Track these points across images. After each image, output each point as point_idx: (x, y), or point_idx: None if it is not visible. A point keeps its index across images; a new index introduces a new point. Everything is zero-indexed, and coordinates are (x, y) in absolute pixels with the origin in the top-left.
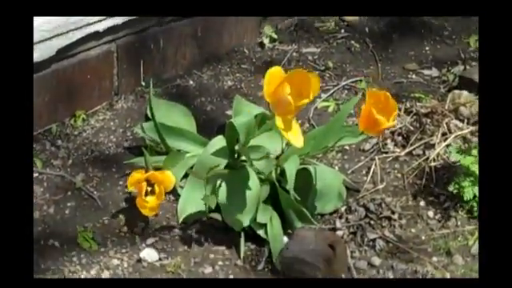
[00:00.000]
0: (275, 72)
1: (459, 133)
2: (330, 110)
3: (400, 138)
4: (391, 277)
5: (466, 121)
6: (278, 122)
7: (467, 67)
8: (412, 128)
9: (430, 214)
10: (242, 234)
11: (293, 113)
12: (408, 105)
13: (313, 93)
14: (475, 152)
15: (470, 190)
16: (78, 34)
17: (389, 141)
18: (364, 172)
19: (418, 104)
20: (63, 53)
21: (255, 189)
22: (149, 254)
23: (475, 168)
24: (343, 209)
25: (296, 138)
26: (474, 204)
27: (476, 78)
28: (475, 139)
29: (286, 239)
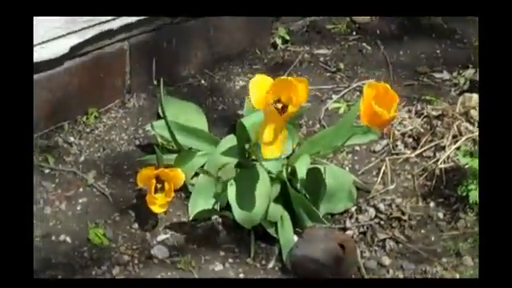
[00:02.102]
0: (260, 80)
1: (470, 135)
2: (341, 111)
3: (411, 139)
4: (401, 277)
5: (476, 124)
6: (270, 129)
7: (478, 71)
8: (423, 130)
9: (440, 215)
10: (253, 233)
11: (281, 121)
12: (419, 107)
13: (299, 100)
14: None
15: (476, 193)
16: (92, 32)
17: (399, 142)
18: (374, 173)
19: (428, 106)
20: (76, 50)
21: (266, 187)
22: (160, 251)
23: None
24: (353, 209)
25: (269, 149)
26: None
27: None
28: None
29: (296, 238)
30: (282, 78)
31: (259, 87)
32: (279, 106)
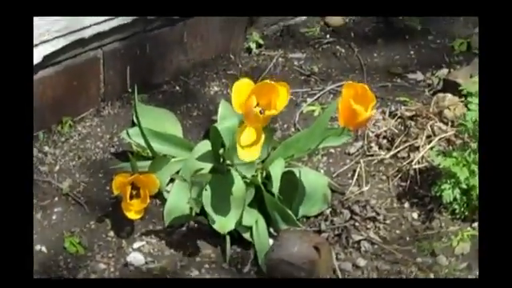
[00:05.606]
0: (243, 84)
1: (443, 135)
2: (316, 114)
3: (385, 141)
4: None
5: (449, 123)
6: (250, 131)
7: (451, 70)
8: (397, 131)
9: (415, 215)
10: (228, 238)
11: (262, 123)
12: (393, 108)
13: (280, 104)
14: (456, 154)
15: (450, 193)
16: (64, 41)
17: (374, 144)
18: (349, 175)
19: (402, 107)
20: (49, 59)
21: (240, 192)
22: (135, 258)
23: (456, 170)
24: (328, 211)
25: (246, 152)
26: (456, 206)
27: (460, 81)
28: (459, 141)
29: (271, 241)
30: (265, 82)
31: (241, 91)
32: (260, 109)
